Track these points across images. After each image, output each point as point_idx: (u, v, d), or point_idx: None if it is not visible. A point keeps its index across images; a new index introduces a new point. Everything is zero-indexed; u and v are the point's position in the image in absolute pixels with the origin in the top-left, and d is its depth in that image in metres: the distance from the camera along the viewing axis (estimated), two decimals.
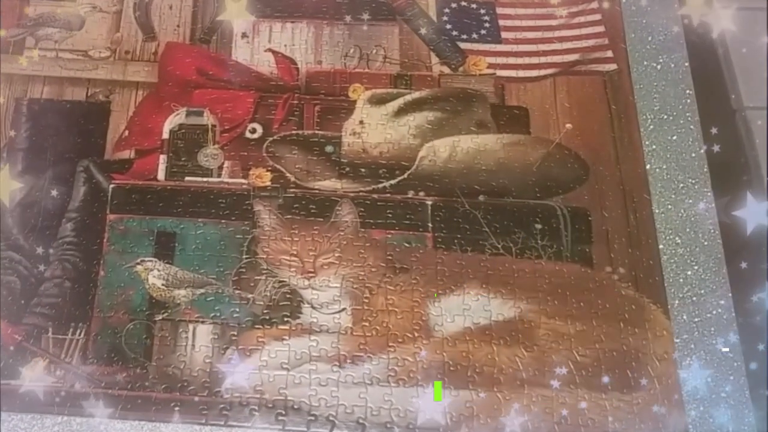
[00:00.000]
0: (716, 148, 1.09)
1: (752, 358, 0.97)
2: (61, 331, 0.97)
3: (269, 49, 1.17)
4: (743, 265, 1.02)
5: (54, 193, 1.06)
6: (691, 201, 1.06)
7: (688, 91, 1.13)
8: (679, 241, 1.04)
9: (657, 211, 1.06)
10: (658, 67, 1.15)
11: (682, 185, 1.07)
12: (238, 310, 0.98)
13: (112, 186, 1.06)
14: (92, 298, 0.99)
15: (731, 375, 0.96)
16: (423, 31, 1.19)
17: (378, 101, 1.13)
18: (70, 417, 0.91)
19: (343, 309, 0.98)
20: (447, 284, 1.00)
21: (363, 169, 1.08)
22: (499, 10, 1.21)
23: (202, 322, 0.98)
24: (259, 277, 1.00)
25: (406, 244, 1.03)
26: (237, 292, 0.99)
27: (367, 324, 0.97)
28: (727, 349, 0.97)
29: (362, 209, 1.04)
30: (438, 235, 1.04)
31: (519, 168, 1.09)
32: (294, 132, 1.11)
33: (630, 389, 0.94)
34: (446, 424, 0.91)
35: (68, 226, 1.04)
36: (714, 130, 1.09)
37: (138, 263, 1.01)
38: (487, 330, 0.97)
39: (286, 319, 0.98)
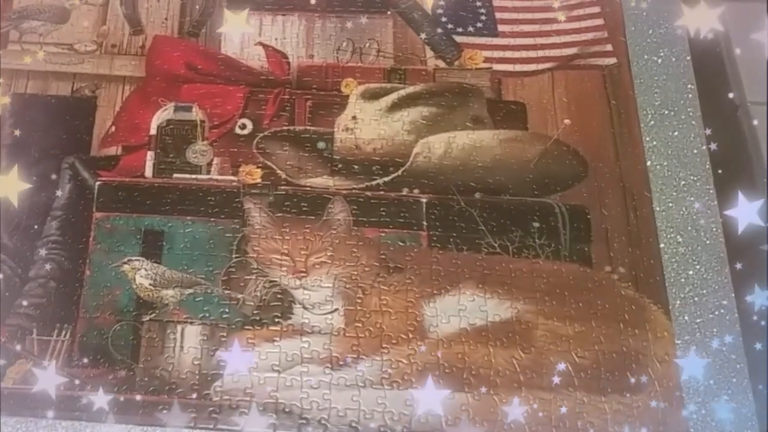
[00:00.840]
0: (716, 145, 1.08)
1: (750, 358, 0.96)
2: (46, 332, 0.96)
3: (260, 43, 1.17)
4: (738, 266, 1.01)
5: (39, 190, 1.04)
6: (692, 199, 1.06)
7: (689, 86, 1.13)
8: (680, 239, 1.03)
9: (658, 209, 1.05)
10: (659, 61, 1.15)
11: (683, 182, 1.06)
12: (227, 310, 0.98)
13: (98, 183, 1.05)
14: (78, 298, 0.98)
15: (734, 377, 0.95)
16: (417, 24, 1.18)
17: (371, 96, 1.12)
18: (56, 421, 0.91)
19: (336, 309, 0.98)
20: (442, 284, 0.99)
21: (356, 166, 1.08)
22: (496, 3, 1.21)
23: (191, 323, 0.97)
24: (249, 277, 0.99)
25: (400, 243, 1.03)
26: (226, 292, 0.99)
27: (360, 325, 0.96)
28: (729, 350, 0.96)
29: (355, 207, 1.04)
30: (433, 234, 1.03)
31: (516, 165, 1.08)
32: (285, 128, 1.11)
33: (630, 391, 0.94)
34: (442, 427, 0.91)
35: (53, 224, 1.03)
36: (709, 130, 1.09)
37: (125, 262, 1.00)
38: (484, 331, 0.96)
39: (276, 319, 0.97)
